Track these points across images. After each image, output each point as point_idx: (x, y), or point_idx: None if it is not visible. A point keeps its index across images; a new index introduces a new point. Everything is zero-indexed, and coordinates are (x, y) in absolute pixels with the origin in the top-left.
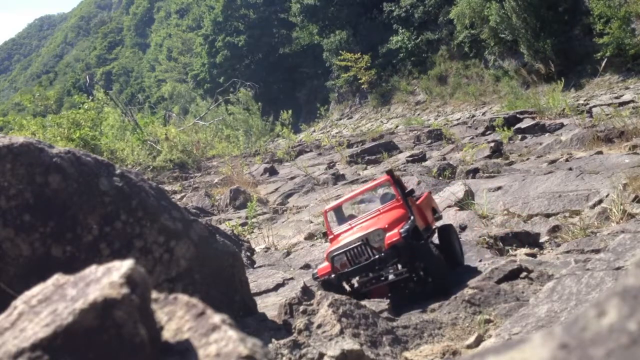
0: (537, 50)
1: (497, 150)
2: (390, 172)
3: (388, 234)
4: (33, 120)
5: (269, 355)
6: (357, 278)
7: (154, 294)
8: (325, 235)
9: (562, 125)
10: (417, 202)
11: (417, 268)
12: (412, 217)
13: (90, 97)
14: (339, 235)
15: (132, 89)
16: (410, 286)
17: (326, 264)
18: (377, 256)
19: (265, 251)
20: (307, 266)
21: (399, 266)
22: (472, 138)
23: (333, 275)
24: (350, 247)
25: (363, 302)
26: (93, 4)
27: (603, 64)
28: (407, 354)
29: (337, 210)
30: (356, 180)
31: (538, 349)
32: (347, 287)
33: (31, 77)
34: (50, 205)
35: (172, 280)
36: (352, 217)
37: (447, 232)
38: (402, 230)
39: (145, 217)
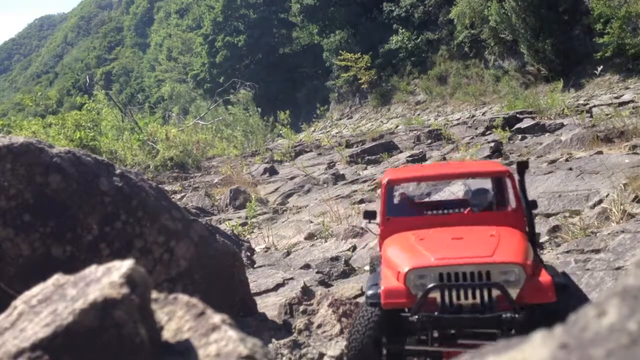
0: (537, 50)
1: (497, 150)
2: (523, 164)
3: (531, 280)
4: (34, 120)
5: (269, 355)
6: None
7: (154, 294)
8: (369, 217)
9: (562, 125)
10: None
11: None
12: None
13: (92, 98)
14: (406, 231)
15: (132, 89)
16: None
17: (398, 285)
18: (503, 315)
19: (265, 251)
20: (307, 266)
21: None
22: (472, 138)
23: (414, 315)
24: (460, 278)
25: None
26: (93, 4)
27: (601, 67)
28: None
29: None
30: (356, 180)
31: (538, 349)
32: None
33: (31, 77)
34: (50, 205)
35: (172, 280)
36: (405, 197)
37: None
38: (558, 281)
39: (145, 217)
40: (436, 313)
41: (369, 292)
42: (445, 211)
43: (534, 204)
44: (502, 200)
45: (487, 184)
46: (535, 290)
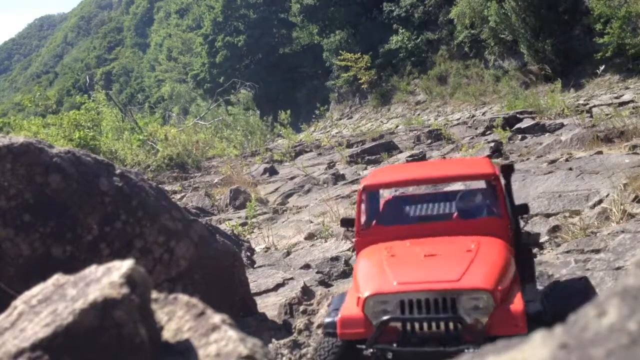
0: (537, 50)
1: (497, 150)
2: (508, 168)
3: (501, 309)
4: (34, 120)
5: (269, 355)
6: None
7: (154, 294)
8: (346, 224)
9: (562, 125)
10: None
11: None
12: (531, 261)
13: (91, 98)
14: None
15: (132, 89)
16: None
17: (356, 313)
18: (464, 346)
19: (265, 251)
20: (307, 266)
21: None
22: (472, 138)
23: (368, 349)
24: (423, 306)
25: None
26: (93, 4)
27: (602, 67)
28: None
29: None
30: (356, 180)
31: (538, 349)
32: None
33: (31, 77)
34: (50, 205)
35: (172, 280)
36: (392, 198)
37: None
38: (532, 310)
39: (145, 217)
40: (395, 345)
41: (327, 320)
42: (430, 218)
43: (523, 209)
44: (489, 206)
45: (479, 183)
46: (504, 320)
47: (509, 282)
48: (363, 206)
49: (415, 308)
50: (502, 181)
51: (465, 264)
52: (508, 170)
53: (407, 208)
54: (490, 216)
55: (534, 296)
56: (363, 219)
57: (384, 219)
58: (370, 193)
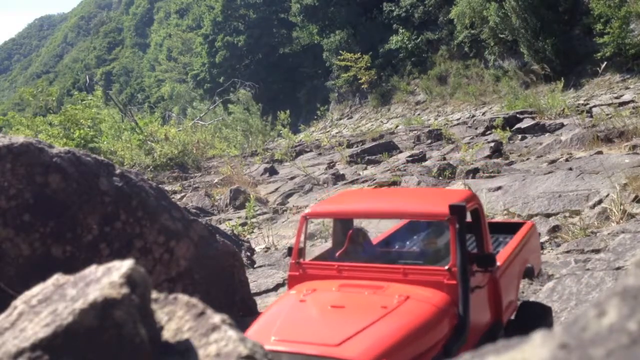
0: (537, 50)
1: (497, 150)
2: (458, 209)
3: None
4: (38, 118)
5: (268, 356)
6: None
7: (154, 294)
8: (291, 253)
9: (562, 125)
10: (499, 273)
11: None
12: (462, 329)
13: (89, 97)
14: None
15: (132, 89)
16: None
17: None
18: None
19: (265, 251)
20: None
21: None
22: (472, 138)
23: None
24: None
25: None
26: (93, 4)
27: (603, 66)
28: None
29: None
30: (356, 180)
31: (538, 349)
32: None
33: (31, 77)
34: (50, 205)
35: (172, 280)
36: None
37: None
38: None
39: (145, 217)
40: None
41: None
42: (374, 258)
43: (487, 260)
44: (441, 252)
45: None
46: None
47: (409, 353)
48: (302, 237)
49: None
50: (456, 225)
51: (363, 325)
52: (459, 211)
53: (364, 243)
54: (439, 265)
55: None
56: (298, 251)
57: (332, 252)
58: (341, 223)
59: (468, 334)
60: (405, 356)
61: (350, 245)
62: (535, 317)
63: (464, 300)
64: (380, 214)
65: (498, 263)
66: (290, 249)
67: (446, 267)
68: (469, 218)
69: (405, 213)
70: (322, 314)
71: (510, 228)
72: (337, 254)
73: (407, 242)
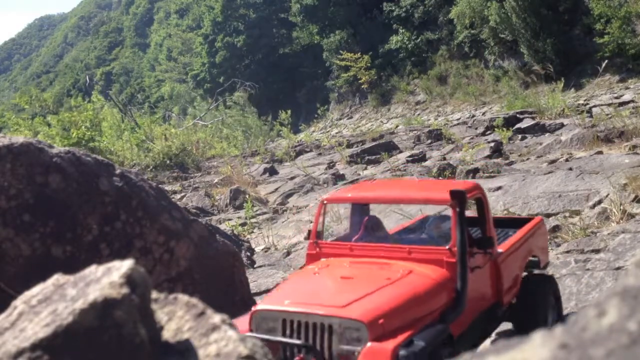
0: (537, 50)
1: (497, 150)
2: (458, 195)
3: (372, 344)
4: (37, 119)
5: (268, 356)
6: None
7: (154, 294)
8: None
9: (562, 125)
10: (501, 258)
11: None
12: (458, 301)
13: (88, 99)
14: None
15: (132, 89)
16: None
17: (244, 327)
18: None
19: (265, 251)
20: None
21: None
22: (472, 138)
23: None
24: (302, 328)
25: None
26: (93, 4)
27: (603, 65)
28: None
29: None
30: (356, 180)
31: (538, 349)
32: None
33: (31, 77)
34: (50, 205)
35: (172, 280)
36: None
37: (538, 290)
38: (403, 354)
39: (145, 217)
40: None
41: None
42: (383, 239)
43: (486, 242)
44: (444, 234)
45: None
46: (369, 355)
47: (407, 317)
48: (321, 219)
49: (295, 330)
50: (457, 209)
51: (367, 291)
52: (459, 197)
53: (376, 227)
54: (441, 247)
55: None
56: (316, 232)
57: (347, 236)
58: (357, 209)
59: (464, 307)
60: (403, 319)
61: (365, 231)
62: (538, 284)
63: (462, 277)
64: (391, 199)
65: (501, 250)
66: (309, 232)
67: (447, 247)
68: (473, 209)
69: (413, 199)
70: (332, 283)
71: (520, 223)
72: (353, 238)
73: (417, 232)
